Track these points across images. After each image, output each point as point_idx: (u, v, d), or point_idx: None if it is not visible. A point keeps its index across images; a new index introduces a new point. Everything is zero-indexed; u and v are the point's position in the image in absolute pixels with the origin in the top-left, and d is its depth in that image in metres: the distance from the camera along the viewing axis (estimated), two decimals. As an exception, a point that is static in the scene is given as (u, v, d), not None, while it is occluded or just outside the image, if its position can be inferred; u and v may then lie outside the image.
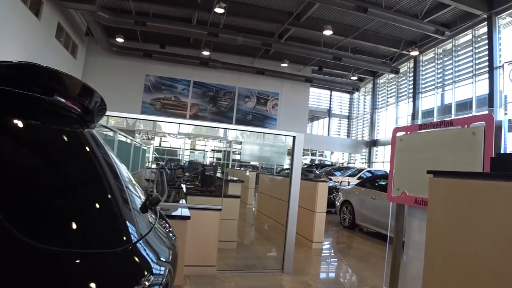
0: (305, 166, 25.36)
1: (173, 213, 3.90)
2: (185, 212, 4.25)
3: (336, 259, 6.85)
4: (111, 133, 7.98)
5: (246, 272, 5.27)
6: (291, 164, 5.56)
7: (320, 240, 7.01)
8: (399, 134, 3.58)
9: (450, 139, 2.94)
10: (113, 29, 21.20)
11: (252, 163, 28.27)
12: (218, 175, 7.94)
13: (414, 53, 20.72)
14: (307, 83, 29.33)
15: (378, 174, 13.76)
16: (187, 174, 10.12)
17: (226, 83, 27.20)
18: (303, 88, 29.48)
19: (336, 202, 10.55)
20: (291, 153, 5.55)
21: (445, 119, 3.03)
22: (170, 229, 2.24)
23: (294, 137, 5.59)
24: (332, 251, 7.47)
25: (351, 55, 23.91)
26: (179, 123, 25.00)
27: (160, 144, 28.57)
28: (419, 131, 3.35)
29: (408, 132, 3.52)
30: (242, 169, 20.49)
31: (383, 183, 9.33)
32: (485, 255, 1.71)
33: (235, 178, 7.49)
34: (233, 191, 6.17)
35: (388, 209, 8.28)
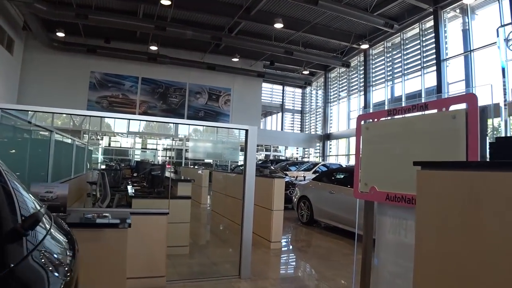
0: (259, 162, 25.11)
1: (111, 221, 3.34)
2: (126, 218, 3.70)
3: (296, 259, 6.47)
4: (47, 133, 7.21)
5: (199, 280, 4.77)
6: (245, 159, 5.10)
7: (278, 239, 6.61)
8: (365, 122, 3.22)
9: (425, 125, 2.59)
10: (53, 22, 19.79)
11: (206, 160, 27.68)
12: (170, 174, 7.39)
13: (364, 46, 20.91)
14: (259, 78, 29.06)
15: (334, 168, 13.66)
16: (135, 174, 9.43)
17: (176, 79, 26.37)
18: (255, 83, 29.18)
19: (293, 197, 10.23)
20: (244, 148, 5.09)
21: (418, 103, 2.68)
22: (69, 241, 1.84)
23: (246, 130, 5.13)
24: (292, 250, 7.08)
25: (303, 49, 23.83)
26: (128, 119, 23.86)
27: (109, 144, 27.20)
28: (387, 118, 2.99)
29: (375, 120, 3.15)
30: (196, 167, 19.86)
31: (340, 177, 9.12)
32: (493, 255, 1.40)
33: (183, 178, 6.91)
34: (183, 191, 5.62)
35: (347, 203, 8.10)
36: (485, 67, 16.98)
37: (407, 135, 2.71)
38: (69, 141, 9.86)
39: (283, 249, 6.78)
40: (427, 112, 2.58)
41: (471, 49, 17.32)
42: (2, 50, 19.41)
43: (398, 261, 2.71)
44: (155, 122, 26.72)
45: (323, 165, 20.15)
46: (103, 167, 16.62)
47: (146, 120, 26.29)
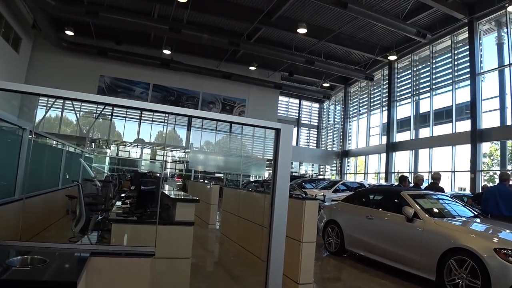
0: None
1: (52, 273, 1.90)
2: (80, 262, 2.23)
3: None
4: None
5: None
6: (274, 172, 3.49)
7: (309, 280, 5.03)
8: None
9: None
10: (63, 21, 18.81)
11: (217, 175, 26.24)
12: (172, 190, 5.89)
13: (392, 57, 19.44)
14: (276, 90, 27.72)
15: (369, 188, 12.06)
16: (132, 188, 7.95)
17: (189, 87, 25.16)
18: (271, 95, 27.85)
19: (318, 221, 8.66)
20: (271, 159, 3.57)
21: None
22: None
23: (278, 130, 3.52)
24: None
25: (324, 60, 22.46)
26: (140, 109, 22.65)
27: (117, 153, 25.91)
28: None
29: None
30: (205, 181, 18.43)
31: (379, 198, 7.57)
32: None
33: (183, 196, 5.23)
34: (183, 214, 4.10)
35: (390, 232, 6.54)
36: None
37: None
38: (58, 145, 8.47)
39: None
40: None
41: (509, 63, 15.89)
42: (7, 47, 18.39)
43: None
44: (166, 132, 25.52)
45: (343, 183, 18.50)
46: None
47: (160, 112, 25.00)
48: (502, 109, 16.18)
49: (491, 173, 17.67)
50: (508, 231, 5.65)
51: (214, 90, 25.69)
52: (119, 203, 5.18)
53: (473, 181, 16.22)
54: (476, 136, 16.43)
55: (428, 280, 5.40)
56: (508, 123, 15.79)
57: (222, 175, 26.36)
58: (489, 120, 16.69)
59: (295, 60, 21.58)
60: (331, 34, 19.39)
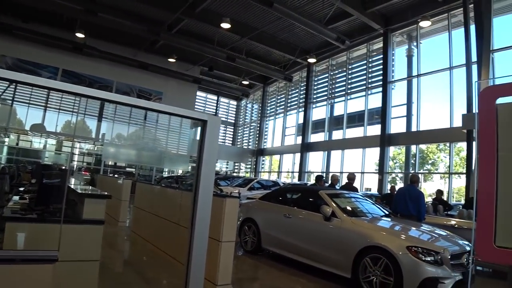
0: (188, 174, 23.04)
1: None
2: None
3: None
4: None
5: None
6: (198, 166, 3.18)
7: (227, 281, 4.79)
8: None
9: None
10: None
11: (128, 169, 25.02)
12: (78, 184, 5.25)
13: (312, 60, 19.93)
14: (195, 84, 27.16)
15: (287, 187, 12.09)
16: (33, 181, 7.07)
17: (102, 75, 23.57)
18: (190, 89, 27.20)
19: (235, 219, 8.46)
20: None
21: None
22: None
23: (204, 122, 3.22)
24: None
25: (245, 58, 22.38)
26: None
27: (17, 143, 23.38)
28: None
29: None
30: (115, 176, 17.38)
31: (296, 197, 7.60)
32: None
33: (92, 191, 4.68)
34: (92, 212, 3.61)
35: (309, 231, 6.54)
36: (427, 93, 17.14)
37: None
38: None
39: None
40: None
41: (418, 73, 17.22)
42: None
43: None
44: (74, 122, 23.78)
45: (258, 182, 18.56)
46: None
47: (64, 91, 23.04)
48: (408, 116, 17.44)
49: (393, 175, 18.99)
50: (415, 229, 5.97)
51: (130, 80, 24.39)
52: (16, 198, 4.49)
53: (381, 182, 17.28)
54: (385, 140, 17.51)
55: (344, 277, 5.46)
56: (413, 129, 17.06)
57: (133, 169, 25.20)
58: (397, 126, 17.90)
59: (216, 55, 21.24)
60: (255, 32, 19.39)
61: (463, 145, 14.65)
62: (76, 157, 24.08)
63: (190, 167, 24.13)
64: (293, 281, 5.73)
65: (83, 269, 3.44)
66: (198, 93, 28.90)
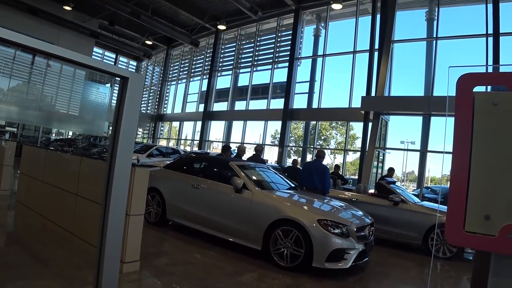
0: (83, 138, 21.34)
1: None
2: None
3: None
4: None
5: None
6: (115, 131, 2.76)
7: (135, 257, 4.38)
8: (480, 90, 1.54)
9: None
10: None
11: (9, 129, 22.34)
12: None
13: (221, 27, 19.48)
14: (92, 39, 24.86)
15: (194, 156, 11.74)
16: None
17: (-19, 18, 20.36)
18: (85, 43, 24.79)
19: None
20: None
21: None
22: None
23: (125, 79, 2.82)
24: (156, 274, 4.55)
25: (150, 16, 21.01)
26: None
27: None
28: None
29: None
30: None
31: (206, 167, 7.37)
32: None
33: None
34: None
35: (219, 203, 6.34)
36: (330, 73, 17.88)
37: None
38: None
39: (144, 275, 4.48)
40: None
41: (324, 53, 17.81)
42: None
43: None
44: None
45: (157, 149, 17.89)
46: None
47: None
48: (310, 93, 18.11)
49: (289, 148, 19.72)
50: (323, 202, 6.16)
51: (15, 26, 21.26)
52: None
53: (281, 155, 17.82)
54: (288, 115, 17.98)
55: (254, 249, 5.43)
56: (315, 106, 17.76)
57: (15, 129, 22.59)
58: (299, 101, 18.49)
59: (119, 9, 19.47)
60: (164, -12, 18.27)
61: (359, 124, 15.52)
62: None
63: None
64: (203, 254, 5.54)
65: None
66: (95, 49, 26.64)
